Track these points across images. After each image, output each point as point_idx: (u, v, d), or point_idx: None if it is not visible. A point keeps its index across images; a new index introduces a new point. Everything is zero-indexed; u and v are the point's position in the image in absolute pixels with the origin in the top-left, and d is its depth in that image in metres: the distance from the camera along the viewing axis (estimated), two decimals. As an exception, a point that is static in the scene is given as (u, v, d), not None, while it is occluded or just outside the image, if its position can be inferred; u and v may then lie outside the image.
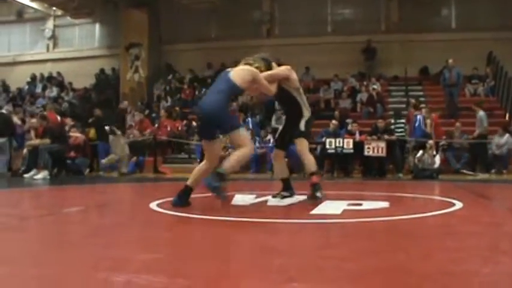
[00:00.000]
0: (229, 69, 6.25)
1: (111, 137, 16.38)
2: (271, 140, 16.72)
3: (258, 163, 16.75)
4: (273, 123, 18.19)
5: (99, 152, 16.96)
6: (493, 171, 15.31)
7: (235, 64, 6.50)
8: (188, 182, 6.02)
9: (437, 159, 14.36)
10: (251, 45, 22.88)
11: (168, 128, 19.10)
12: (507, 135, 15.60)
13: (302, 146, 6.75)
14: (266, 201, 6.88)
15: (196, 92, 22.33)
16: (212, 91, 6.10)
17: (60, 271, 2.96)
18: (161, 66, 25.14)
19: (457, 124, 16.40)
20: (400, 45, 22.25)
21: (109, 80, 25.47)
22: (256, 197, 7.34)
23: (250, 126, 17.93)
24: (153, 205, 6.21)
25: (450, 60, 18.97)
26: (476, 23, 22.13)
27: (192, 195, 6.04)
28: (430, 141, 14.83)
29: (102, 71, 25.40)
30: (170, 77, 23.91)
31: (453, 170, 15.40)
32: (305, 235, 4.44)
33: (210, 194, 5.83)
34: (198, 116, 6.36)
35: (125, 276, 2.76)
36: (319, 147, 15.48)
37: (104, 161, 16.30)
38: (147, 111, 21.66)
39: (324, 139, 15.00)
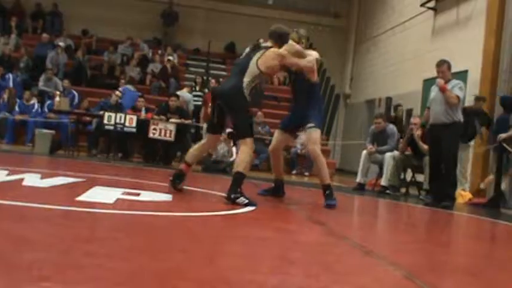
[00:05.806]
0: None
1: None
2: (36, 105, 16.11)
3: (15, 132, 16.03)
4: (41, 84, 17.49)
5: None
6: (294, 171, 16.01)
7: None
8: None
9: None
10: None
11: None
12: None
13: None
14: (22, 179, 6.69)
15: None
16: None
17: None
18: None
19: (259, 113, 16.81)
20: (206, 14, 22.64)
21: None
22: (8, 174, 7.11)
23: (11, 84, 17.05)
24: None
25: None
26: (297, 3, 23.07)
27: None
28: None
29: None
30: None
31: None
32: (67, 225, 4.38)
33: None
34: None
35: None
36: (94, 121, 15.24)
37: None
38: None
39: (102, 112, 14.77)
